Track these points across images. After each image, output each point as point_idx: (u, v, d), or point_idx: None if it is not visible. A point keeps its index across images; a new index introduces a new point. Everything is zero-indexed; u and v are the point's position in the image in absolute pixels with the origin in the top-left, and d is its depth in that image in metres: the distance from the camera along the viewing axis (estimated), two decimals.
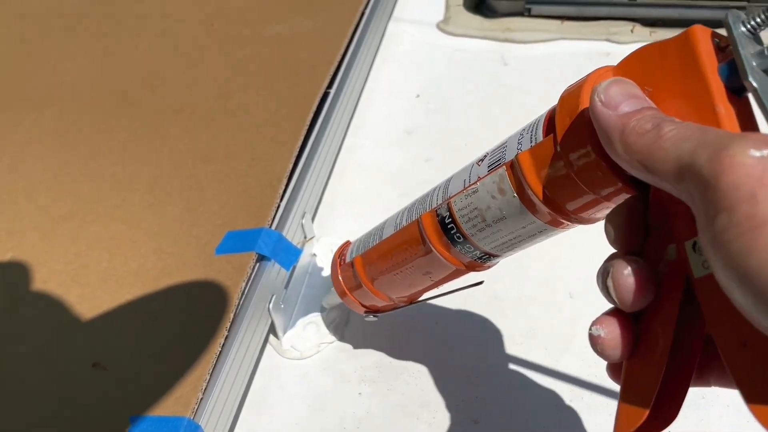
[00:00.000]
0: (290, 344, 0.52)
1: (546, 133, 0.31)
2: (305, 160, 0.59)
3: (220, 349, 0.45)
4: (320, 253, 0.58)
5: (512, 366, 0.50)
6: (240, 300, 0.48)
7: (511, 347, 0.51)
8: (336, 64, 0.70)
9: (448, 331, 0.53)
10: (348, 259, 0.48)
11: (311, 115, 0.63)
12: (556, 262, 0.55)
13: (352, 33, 0.75)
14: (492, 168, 0.34)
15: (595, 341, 0.28)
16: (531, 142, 0.31)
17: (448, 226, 0.38)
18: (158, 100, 0.68)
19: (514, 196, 0.33)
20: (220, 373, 0.45)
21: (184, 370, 0.45)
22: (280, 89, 0.66)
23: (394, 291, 0.46)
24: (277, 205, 0.54)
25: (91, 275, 0.53)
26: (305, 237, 0.57)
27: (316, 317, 0.53)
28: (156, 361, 0.46)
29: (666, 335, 0.26)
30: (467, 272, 0.41)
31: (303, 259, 0.56)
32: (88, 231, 0.56)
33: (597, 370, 0.48)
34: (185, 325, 0.48)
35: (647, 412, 0.27)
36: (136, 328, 0.48)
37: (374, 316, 0.49)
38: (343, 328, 0.54)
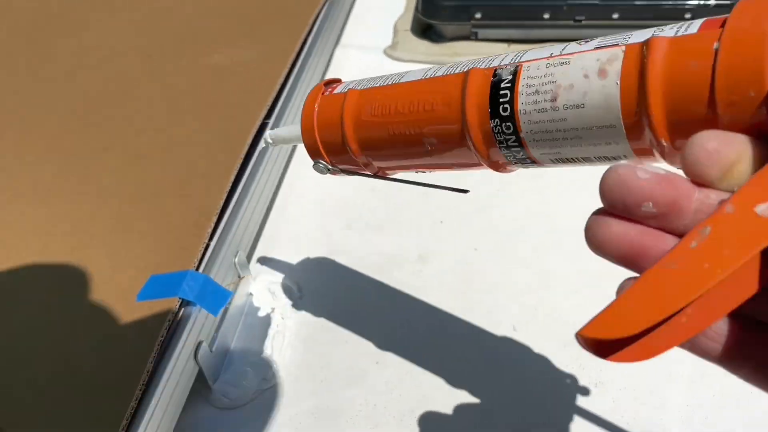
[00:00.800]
0: (221, 393, 0.49)
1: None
2: (238, 195, 0.57)
3: (135, 404, 0.42)
4: (257, 292, 0.56)
5: (455, 406, 0.47)
6: (158, 350, 0.45)
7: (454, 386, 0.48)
8: (275, 93, 0.68)
9: (388, 371, 0.50)
10: (339, 90, 0.40)
11: (246, 148, 0.60)
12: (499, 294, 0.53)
13: (293, 61, 0.73)
14: (603, 47, 0.27)
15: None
16: (677, 34, 0.24)
17: (501, 92, 0.31)
18: (89, 136, 0.65)
19: (616, 83, 0.26)
20: (138, 428, 0.42)
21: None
22: (215, 122, 0.64)
23: (374, 147, 0.37)
24: (205, 244, 0.52)
25: None
26: (239, 276, 0.54)
27: (255, 359, 0.51)
28: (68, 414, 0.43)
29: (742, 248, 0.20)
30: (476, 163, 0.33)
31: (238, 299, 0.53)
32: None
33: None
34: (104, 375, 0.45)
35: (644, 326, 0.21)
36: (49, 379, 0.45)
37: (327, 166, 0.41)
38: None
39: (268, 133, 0.46)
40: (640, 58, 0.25)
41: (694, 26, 0.25)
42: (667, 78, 0.24)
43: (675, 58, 0.24)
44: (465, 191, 0.39)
